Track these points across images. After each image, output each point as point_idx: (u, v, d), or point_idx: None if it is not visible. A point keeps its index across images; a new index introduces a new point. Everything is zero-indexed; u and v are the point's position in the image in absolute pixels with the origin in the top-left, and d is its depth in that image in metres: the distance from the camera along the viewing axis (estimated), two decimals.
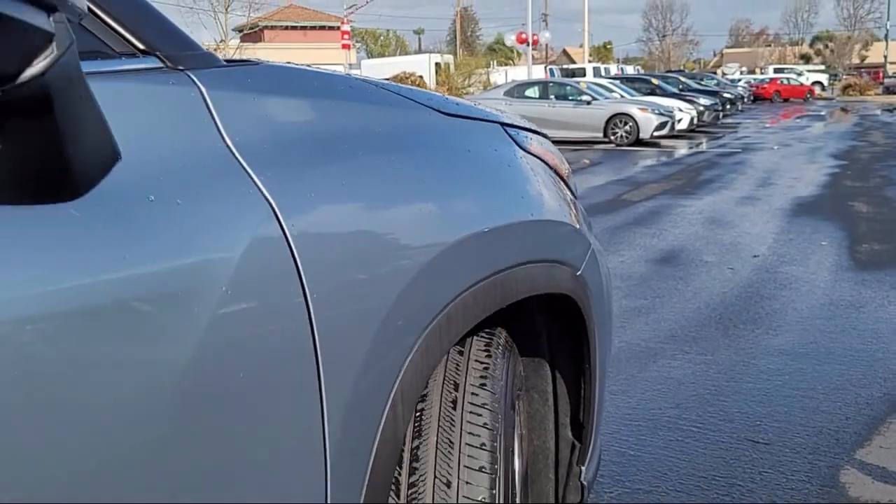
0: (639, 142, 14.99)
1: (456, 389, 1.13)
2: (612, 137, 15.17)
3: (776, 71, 44.26)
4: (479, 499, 1.11)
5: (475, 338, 1.23)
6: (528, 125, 1.47)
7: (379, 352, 0.88)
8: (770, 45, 72.66)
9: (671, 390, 2.90)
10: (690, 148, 14.43)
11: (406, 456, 1.07)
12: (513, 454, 1.28)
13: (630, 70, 37.96)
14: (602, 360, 1.54)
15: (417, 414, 1.11)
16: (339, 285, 0.83)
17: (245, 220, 0.75)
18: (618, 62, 66.36)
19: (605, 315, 1.56)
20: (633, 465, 2.32)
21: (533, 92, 16.59)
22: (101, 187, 0.61)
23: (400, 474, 1.07)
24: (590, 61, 39.11)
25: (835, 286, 4.38)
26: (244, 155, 0.78)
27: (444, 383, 1.14)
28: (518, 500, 1.34)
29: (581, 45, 46.05)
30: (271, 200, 0.77)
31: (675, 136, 16.35)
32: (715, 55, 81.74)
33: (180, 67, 0.77)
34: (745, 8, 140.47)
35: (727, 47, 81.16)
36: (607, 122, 15.24)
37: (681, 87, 22.56)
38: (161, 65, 0.76)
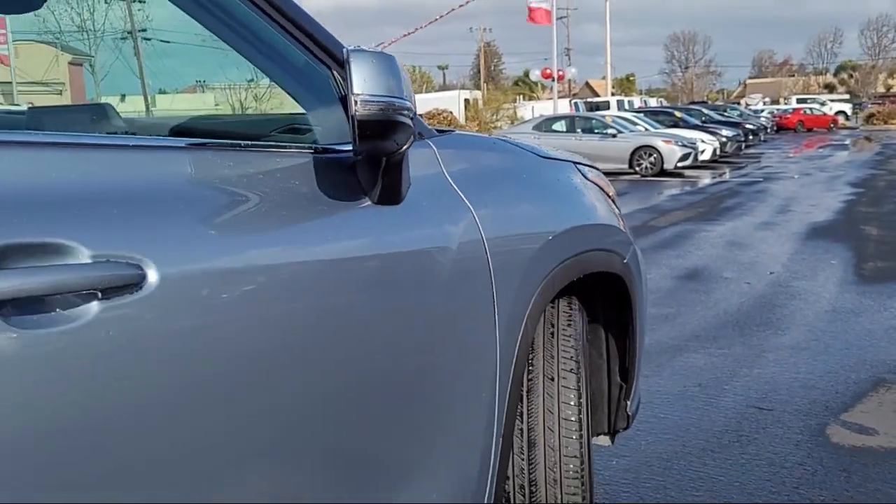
0: (663, 172, 15.64)
1: (553, 326, 1.82)
2: (637, 168, 15.84)
3: (799, 101, 44.74)
4: (572, 404, 1.78)
5: (561, 300, 1.92)
6: (587, 162, 2.18)
7: (520, 297, 1.57)
8: (794, 76, 73.08)
9: (693, 374, 3.55)
10: (713, 178, 15.05)
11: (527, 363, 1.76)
12: (585, 385, 1.95)
13: (653, 102, 38.67)
14: (641, 325, 2.21)
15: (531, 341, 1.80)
16: (503, 258, 1.53)
17: (459, 215, 1.46)
18: (640, 94, 67.08)
19: (643, 293, 2.24)
20: (662, 424, 2.98)
21: (560, 126, 17.37)
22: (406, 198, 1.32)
23: (523, 373, 1.75)
24: (613, 94, 39.91)
25: (838, 297, 5.00)
26: (455, 181, 1.49)
27: (544, 323, 1.83)
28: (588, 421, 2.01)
29: (603, 78, 46.86)
30: (470, 206, 1.48)
31: (699, 166, 16.98)
32: (739, 85, 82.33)
33: (425, 138, 1.49)
34: (768, 39, 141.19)
35: (750, 77, 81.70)
36: (632, 153, 15.94)
37: (703, 118, 23.19)
38: (420, 140, 1.48)
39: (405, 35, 32.17)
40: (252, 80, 1.29)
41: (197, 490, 0.99)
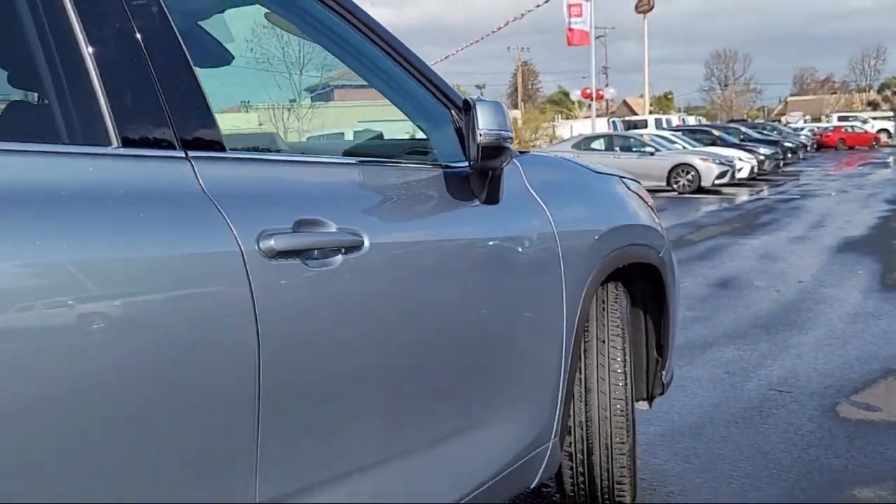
0: (700, 190, 16.00)
1: (603, 303, 2.35)
2: (675, 186, 16.22)
3: (840, 119, 44.40)
4: (618, 360, 2.30)
5: (609, 283, 2.44)
6: (630, 176, 2.71)
7: (580, 277, 2.10)
8: (836, 93, 72.19)
9: (722, 364, 4.02)
10: (750, 195, 15.35)
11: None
12: (629, 348, 2.47)
13: (691, 120, 38.84)
14: (674, 309, 2.72)
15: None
16: (568, 247, 2.06)
17: (537, 213, 2.00)
18: (679, 111, 66.89)
19: (675, 283, 2.75)
20: (693, 402, 3.46)
21: (598, 144, 17.85)
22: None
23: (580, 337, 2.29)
24: (651, 112, 40.17)
25: (862, 302, 5.41)
26: (533, 189, 2.04)
27: (596, 300, 2.36)
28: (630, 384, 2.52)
29: (641, 95, 47.08)
30: (544, 207, 2.03)
31: (736, 184, 17.27)
32: (779, 103, 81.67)
33: (513, 158, 2.04)
34: (809, 56, 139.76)
35: (792, 95, 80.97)
36: (670, 171, 16.33)
37: (741, 137, 23.42)
38: (512, 159, 2.03)
39: (446, 57, 33.05)
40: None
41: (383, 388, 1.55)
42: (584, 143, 17.91)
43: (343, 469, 1.46)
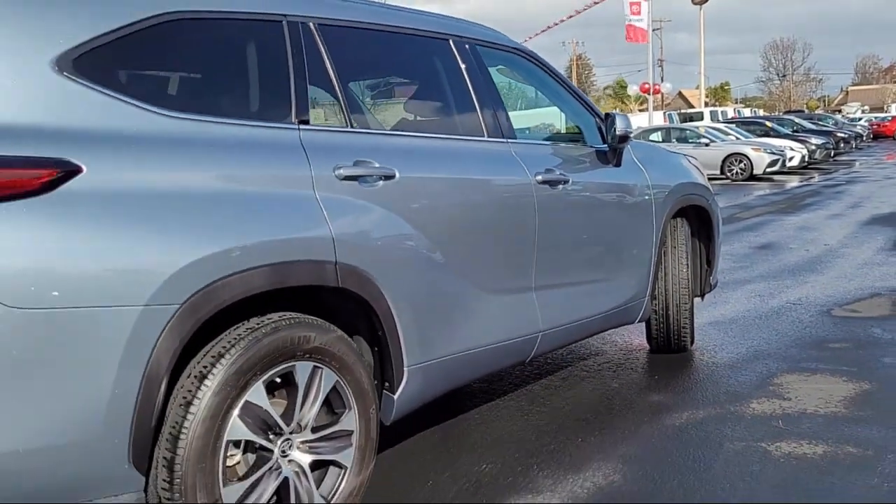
0: (752, 177, 17.31)
1: (674, 228, 4.03)
2: (729, 174, 17.57)
3: None
4: (684, 260, 4.00)
5: (678, 218, 4.11)
6: (689, 155, 4.40)
7: (662, 211, 3.78)
8: None
9: (755, 292, 5.65)
10: (800, 181, 16.62)
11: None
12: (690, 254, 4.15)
13: (747, 112, 39.55)
14: (717, 237, 4.38)
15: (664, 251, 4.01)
16: (656, 193, 3.74)
17: (639, 173, 3.70)
18: (735, 102, 66.65)
19: (718, 221, 4.39)
20: (731, 310, 5.11)
21: (656, 136, 19.26)
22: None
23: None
24: (706, 104, 40.92)
25: (872, 257, 6.93)
26: (637, 160, 3.74)
27: (670, 227, 4.03)
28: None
29: (697, 87, 47.64)
30: (643, 169, 3.73)
31: (788, 172, 18.49)
32: (840, 93, 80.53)
33: (621, 147, 3.73)
34: (872, 43, 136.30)
35: (853, 84, 79.74)
36: (724, 160, 17.68)
37: (794, 128, 24.44)
38: (611, 149, 3.72)
39: None
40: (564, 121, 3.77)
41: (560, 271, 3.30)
42: (643, 135, 19.32)
43: (565, 282, 3.20)
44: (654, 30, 34.22)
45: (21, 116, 1.76)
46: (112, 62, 1.95)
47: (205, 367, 1.94)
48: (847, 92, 76.28)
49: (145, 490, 1.86)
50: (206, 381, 1.92)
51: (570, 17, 34.53)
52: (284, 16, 2.37)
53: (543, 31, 34.28)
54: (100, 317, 1.73)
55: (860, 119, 39.01)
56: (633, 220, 3.65)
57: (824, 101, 77.72)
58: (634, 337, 4.47)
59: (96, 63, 1.89)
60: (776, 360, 4.00)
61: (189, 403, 1.89)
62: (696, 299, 4.40)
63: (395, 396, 2.45)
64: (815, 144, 20.90)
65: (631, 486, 2.61)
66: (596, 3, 34.06)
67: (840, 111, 51.72)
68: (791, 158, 18.74)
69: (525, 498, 2.53)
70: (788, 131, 23.27)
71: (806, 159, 19.66)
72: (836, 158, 23.19)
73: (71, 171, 1.73)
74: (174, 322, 1.82)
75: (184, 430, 1.88)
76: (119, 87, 1.93)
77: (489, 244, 2.81)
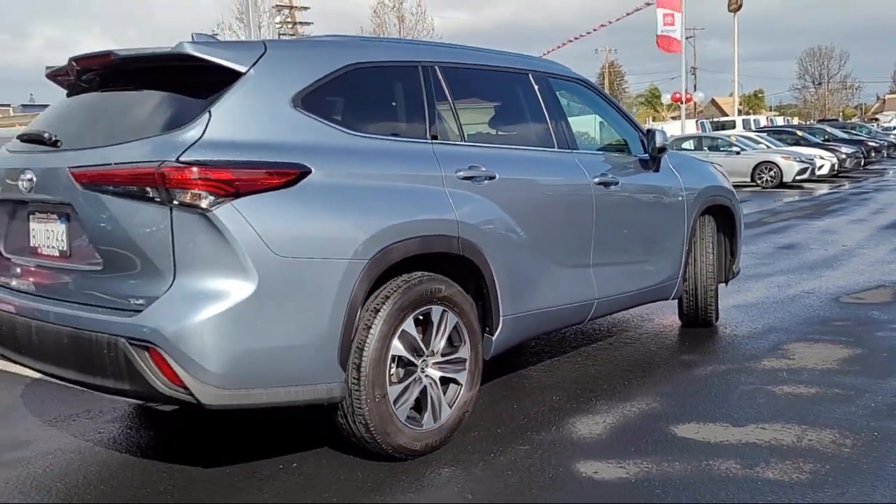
0: (782, 185, 17.93)
1: (703, 223, 4.88)
2: (759, 181, 18.21)
3: None
4: (710, 250, 4.86)
5: (705, 215, 4.96)
6: (717, 163, 5.27)
7: (693, 210, 4.64)
8: None
9: (774, 283, 6.46)
10: (829, 189, 17.21)
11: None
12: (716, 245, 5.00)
13: (780, 120, 39.86)
14: (739, 233, 5.22)
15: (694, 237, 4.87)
16: (687, 194, 4.61)
17: (675, 177, 4.57)
18: (769, 110, 66.46)
19: (740, 220, 5.24)
20: (753, 297, 5.94)
21: (688, 144, 19.94)
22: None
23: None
24: (740, 111, 41.26)
25: (885, 256, 7.68)
26: (672, 167, 4.61)
27: (698, 222, 4.88)
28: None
29: (730, 94, 47.85)
30: (678, 175, 4.60)
31: (817, 180, 19.06)
32: (877, 100, 79.77)
33: (660, 156, 4.60)
34: None
35: (890, 92, 78.96)
36: (754, 168, 18.34)
37: (826, 137, 24.89)
38: (651, 158, 4.60)
39: None
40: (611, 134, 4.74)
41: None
42: (676, 143, 20.03)
43: (615, 261, 4.08)
44: (687, 38, 34.77)
45: (273, 136, 2.72)
46: (323, 98, 2.90)
47: (378, 304, 2.87)
48: (884, 100, 75.58)
49: (346, 382, 2.80)
50: (379, 313, 2.85)
51: (603, 26, 35.23)
52: (420, 62, 3.32)
53: (576, 38, 35.08)
54: (325, 264, 2.67)
55: (894, 128, 39.06)
56: (668, 216, 4.52)
57: (861, 108, 77.03)
58: (667, 317, 5.33)
59: (314, 99, 2.84)
60: (787, 333, 4.83)
61: (369, 328, 2.83)
62: (721, 285, 5.24)
63: (494, 338, 3.36)
64: (846, 153, 21.39)
65: (667, 411, 3.49)
66: (628, 14, 34.73)
67: (876, 120, 51.59)
68: (821, 167, 19.30)
69: (588, 417, 3.43)
70: (819, 140, 23.75)
71: (836, 168, 20.18)
72: (868, 167, 23.61)
73: (306, 172, 2.68)
74: (365, 271, 2.76)
75: (366, 345, 2.81)
76: (326, 116, 2.88)
77: (560, 229, 3.72)
